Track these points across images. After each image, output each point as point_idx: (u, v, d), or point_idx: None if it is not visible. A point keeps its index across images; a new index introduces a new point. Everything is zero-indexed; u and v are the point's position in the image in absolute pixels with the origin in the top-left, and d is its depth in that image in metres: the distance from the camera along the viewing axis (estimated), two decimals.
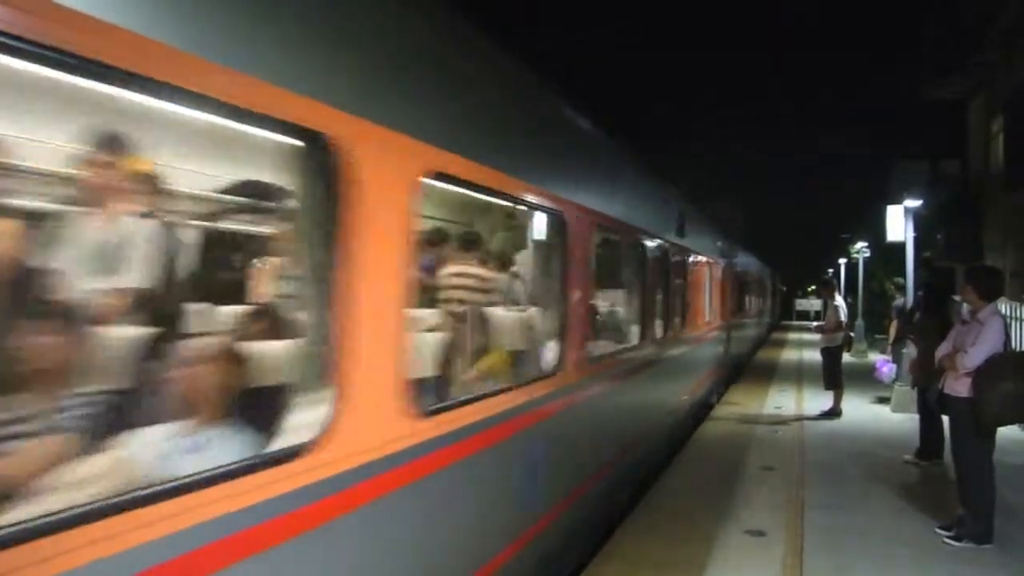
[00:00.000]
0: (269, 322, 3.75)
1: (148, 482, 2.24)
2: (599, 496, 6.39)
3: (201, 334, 3.62)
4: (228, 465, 2.35)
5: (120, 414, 2.89)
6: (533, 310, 5.93)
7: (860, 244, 32.36)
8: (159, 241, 3.82)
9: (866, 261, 32.41)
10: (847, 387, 13.83)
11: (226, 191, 5.19)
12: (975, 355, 6.40)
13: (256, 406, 2.92)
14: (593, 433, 6.24)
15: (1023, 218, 17.38)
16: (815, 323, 22.51)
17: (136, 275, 3.68)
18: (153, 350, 3.21)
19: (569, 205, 5.39)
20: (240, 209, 5.25)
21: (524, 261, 6.84)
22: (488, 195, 4.32)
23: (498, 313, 5.59)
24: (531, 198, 4.77)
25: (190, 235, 4.57)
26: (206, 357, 2.94)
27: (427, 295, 5.20)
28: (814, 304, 50.37)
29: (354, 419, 2.83)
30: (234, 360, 3.02)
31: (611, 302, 8.16)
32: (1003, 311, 12.27)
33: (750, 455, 10.09)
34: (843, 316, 13.48)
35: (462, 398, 3.96)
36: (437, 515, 3.55)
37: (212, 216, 5.18)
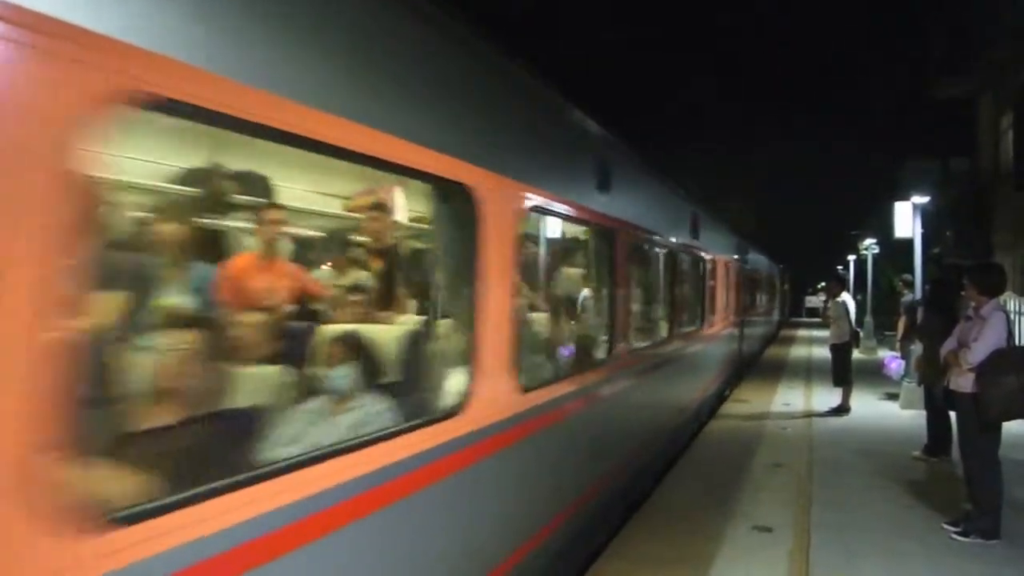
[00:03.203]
0: None
1: None
2: None
3: None
4: None
5: None
6: None
7: (869, 241, 32.26)
8: None
9: (875, 258, 32.30)
10: (856, 384, 13.84)
11: None
12: (978, 351, 6.43)
13: None
14: None
15: None
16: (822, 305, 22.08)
17: None
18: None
19: None
20: None
21: None
22: None
23: None
24: None
25: None
26: None
27: None
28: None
29: None
30: None
31: None
32: (1012, 307, 12.30)
33: (758, 451, 10.13)
34: (850, 312, 13.46)
35: None
36: None
37: None
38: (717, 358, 14.00)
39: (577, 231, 7.21)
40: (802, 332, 39.32)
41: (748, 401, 14.79)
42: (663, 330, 9.30)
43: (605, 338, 6.67)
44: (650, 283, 9.17)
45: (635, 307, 7.85)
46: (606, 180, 6.39)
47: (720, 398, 14.63)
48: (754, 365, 20.59)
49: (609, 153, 6.72)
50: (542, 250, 6.31)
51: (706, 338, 12.29)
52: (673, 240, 9.51)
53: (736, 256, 17.21)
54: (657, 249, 9.22)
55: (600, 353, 6.64)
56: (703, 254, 11.96)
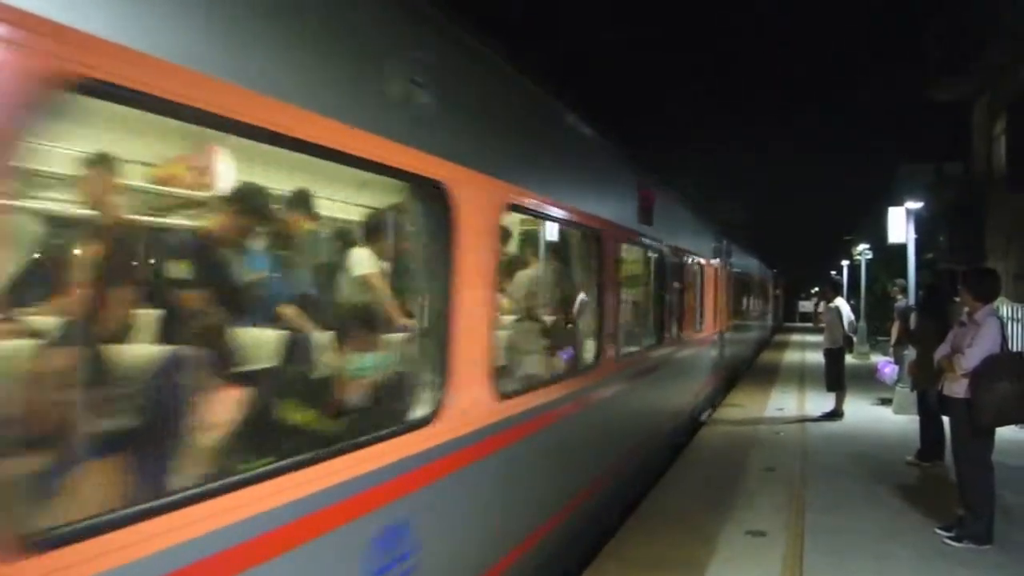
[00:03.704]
0: None
1: None
2: None
3: None
4: None
5: None
6: None
7: (862, 246, 32.34)
8: None
9: (869, 263, 32.40)
10: (849, 389, 13.86)
11: None
12: (972, 356, 6.44)
13: None
14: None
15: None
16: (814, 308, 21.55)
17: None
18: None
19: None
20: None
21: None
22: None
23: None
24: None
25: None
26: None
27: None
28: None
29: None
30: None
31: None
32: (1005, 313, 12.34)
33: (752, 456, 10.13)
34: (845, 317, 13.46)
35: None
36: None
37: None
38: (686, 379, 11.22)
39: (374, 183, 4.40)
40: (795, 337, 39.38)
41: (742, 406, 14.79)
42: (588, 352, 6.47)
43: (457, 372, 3.77)
44: (567, 283, 6.83)
45: (531, 318, 6.03)
46: (454, 102, 3.82)
47: (688, 431, 11.64)
48: (741, 379, 19.42)
49: (452, 53, 3.95)
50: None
51: (669, 356, 9.70)
52: (614, 228, 6.74)
53: (719, 257, 15.00)
54: (578, 234, 6.61)
55: (420, 404, 3.62)
56: (673, 252, 9.62)
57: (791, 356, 27.30)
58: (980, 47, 19.44)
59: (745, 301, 22.13)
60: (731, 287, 17.62)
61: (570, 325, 6.76)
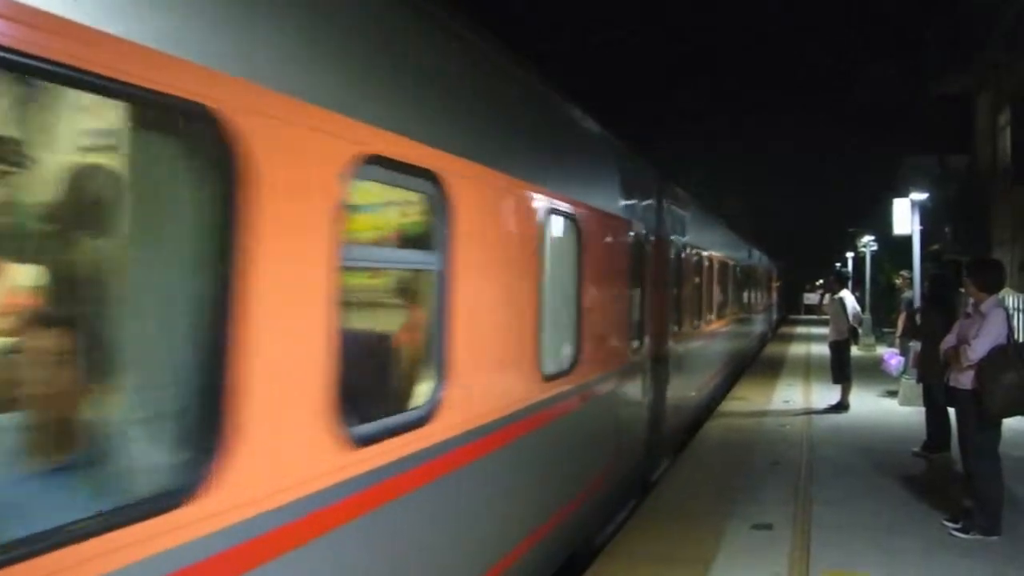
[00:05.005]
0: None
1: None
2: None
3: None
4: None
5: None
6: None
7: (867, 238, 32.22)
8: None
9: (874, 255, 32.27)
10: (855, 381, 13.83)
11: None
12: (978, 347, 6.42)
13: None
14: None
15: None
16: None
17: None
18: None
19: None
20: None
21: None
22: None
23: None
24: None
25: None
26: None
27: None
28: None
29: None
30: None
31: None
32: (1010, 303, 12.30)
33: (757, 449, 10.12)
34: (850, 309, 13.43)
35: None
36: None
37: None
38: (574, 453, 5.90)
39: None
40: (801, 329, 39.30)
41: (747, 399, 14.79)
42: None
43: None
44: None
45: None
46: None
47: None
48: (742, 376, 15.89)
49: None
50: None
51: (538, 416, 4.88)
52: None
53: (657, 223, 8.84)
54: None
55: None
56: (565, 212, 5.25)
57: (796, 349, 27.26)
58: (980, 41, 19.40)
59: (734, 296, 17.82)
60: (692, 277, 11.69)
61: None
